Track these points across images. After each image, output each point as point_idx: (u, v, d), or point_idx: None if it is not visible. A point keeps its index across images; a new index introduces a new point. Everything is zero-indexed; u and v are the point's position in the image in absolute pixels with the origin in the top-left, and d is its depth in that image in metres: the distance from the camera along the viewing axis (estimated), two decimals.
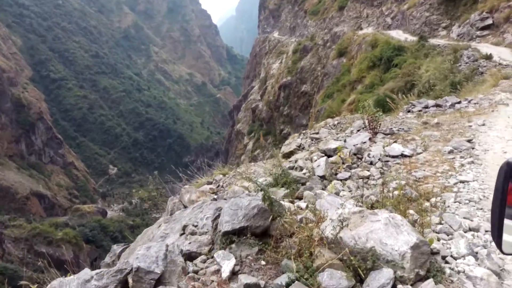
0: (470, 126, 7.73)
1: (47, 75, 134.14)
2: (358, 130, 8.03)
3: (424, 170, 5.24)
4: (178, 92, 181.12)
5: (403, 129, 8.03)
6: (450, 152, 6.09)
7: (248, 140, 78.31)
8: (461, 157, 5.90)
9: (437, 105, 9.84)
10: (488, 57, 16.83)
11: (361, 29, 45.77)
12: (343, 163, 5.93)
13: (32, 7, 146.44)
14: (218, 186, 6.97)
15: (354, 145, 6.51)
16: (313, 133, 8.93)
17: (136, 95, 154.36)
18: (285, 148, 8.41)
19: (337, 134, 8.62)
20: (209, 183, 7.21)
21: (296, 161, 6.56)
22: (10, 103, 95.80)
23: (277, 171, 5.41)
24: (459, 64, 17.86)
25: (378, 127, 7.71)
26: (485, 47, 19.42)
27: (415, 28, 29.37)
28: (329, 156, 6.26)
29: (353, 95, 25.49)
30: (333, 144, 6.58)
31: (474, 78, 15.09)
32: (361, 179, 5.30)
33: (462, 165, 5.55)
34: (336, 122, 10.10)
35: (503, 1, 21.40)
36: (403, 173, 5.21)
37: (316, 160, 6.02)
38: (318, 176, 5.41)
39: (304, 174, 5.64)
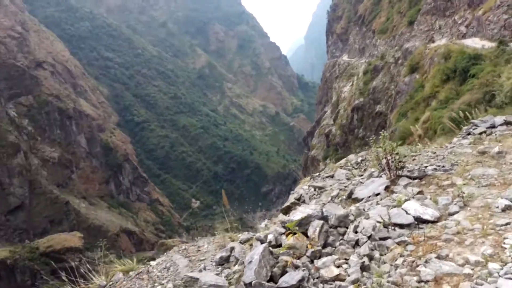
0: None
1: (132, 119, 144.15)
2: (383, 170, 6.20)
3: (444, 259, 3.15)
4: (253, 124, 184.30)
5: (443, 166, 5.93)
6: (506, 209, 3.92)
7: (323, 166, 76.38)
8: None
9: (508, 123, 7.70)
10: None
11: (433, 41, 43.01)
12: (308, 247, 3.77)
13: (115, 58, 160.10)
14: None
15: (335, 214, 4.23)
16: (327, 176, 7.35)
17: (213, 130, 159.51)
18: (292, 197, 7.04)
19: (360, 175, 6.88)
20: (102, 287, 5.36)
21: (232, 249, 4.40)
22: (99, 147, 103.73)
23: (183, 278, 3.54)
24: None
25: (401, 168, 5.84)
26: None
27: (493, 34, 26.58)
28: (290, 234, 4.03)
29: (427, 112, 23.33)
30: (298, 214, 4.19)
31: None
32: (322, 285, 3.23)
33: None
34: (359, 159, 8.22)
35: None
36: (402, 266, 3.24)
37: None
38: (244, 283, 3.34)
39: (230, 276, 3.77)
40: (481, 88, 16.83)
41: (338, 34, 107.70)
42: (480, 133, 7.56)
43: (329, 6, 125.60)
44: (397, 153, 5.79)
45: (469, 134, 7.84)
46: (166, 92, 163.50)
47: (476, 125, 8.12)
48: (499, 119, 7.93)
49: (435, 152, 6.96)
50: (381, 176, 6.01)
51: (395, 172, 5.81)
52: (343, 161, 8.50)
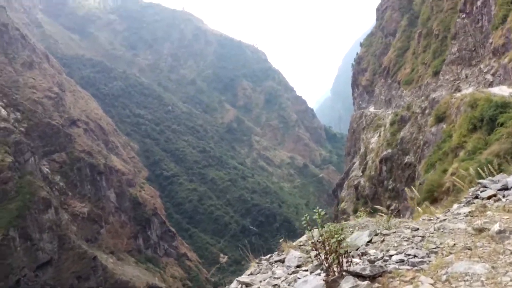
0: None
1: (161, 173, 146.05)
2: (320, 265, 4.73)
3: None
4: (281, 176, 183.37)
5: (414, 256, 4.42)
6: None
7: (354, 219, 74.29)
8: None
9: None
10: None
11: (460, 91, 42.44)
12: None
13: (146, 115, 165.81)
14: None
15: None
16: (277, 261, 5.78)
17: (241, 183, 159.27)
18: None
19: (319, 259, 4.81)
20: None
21: None
22: (128, 202, 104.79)
23: None
24: None
25: (344, 262, 4.26)
26: None
27: None
28: None
29: (455, 163, 22.38)
30: None
31: None
32: None
33: None
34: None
35: None
36: None
37: None
38: None
39: None
40: (510, 137, 16.04)
41: (364, 86, 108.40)
42: (489, 197, 6.14)
43: (354, 60, 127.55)
44: (339, 241, 4.26)
45: (476, 197, 6.41)
46: (195, 146, 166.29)
47: (485, 187, 6.57)
48: None
49: (417, 229, 5.48)
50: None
51: (338, 268, 4.23)
52: (303, 238, 6.71)
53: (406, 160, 56.11)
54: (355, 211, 74.58)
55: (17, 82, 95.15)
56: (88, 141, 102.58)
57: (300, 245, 6.46)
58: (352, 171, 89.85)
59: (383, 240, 5.22)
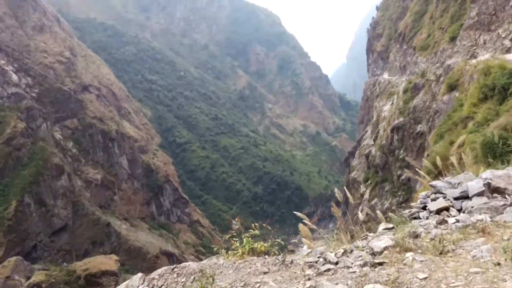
0: None
1: (174, 140, 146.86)
2: None
3: None
4: (293, 144, 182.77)
5: None
6: None
7: (364, 188, 73.95)
8: None
9: (495, 190, 4.34)
10: None
11: (476, 57, 40.52)
12: None
13: (158, 81, 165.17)
14: None
15: None
16: None
17: (253, 151, 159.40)
18: None
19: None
20: None
21: None
22: (141, 169, 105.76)
23: None
24: None
25: None
26: None
27: None
28: None
29: (464, 135, 21.35)
30: None
31: None
32: None
33: None
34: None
35: None
36: None
37: None
38: None
39: None
40: None
41: (379, 52, 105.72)
42: (439, 211, 4.35)
43: (369, 24, 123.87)
44: None
45: (424, 207, 4.65)
46: (208, 113, 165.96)
47: (439, 192, 4.75)
48: (476, 184, 4.47)
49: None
50: None
51: None
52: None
53: (418, 129, 54.78)
54: (366, 180, 74.09)
55: (28, 46, 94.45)
56: (100, 107, 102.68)
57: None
58: (364, 140, 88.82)
59: None
